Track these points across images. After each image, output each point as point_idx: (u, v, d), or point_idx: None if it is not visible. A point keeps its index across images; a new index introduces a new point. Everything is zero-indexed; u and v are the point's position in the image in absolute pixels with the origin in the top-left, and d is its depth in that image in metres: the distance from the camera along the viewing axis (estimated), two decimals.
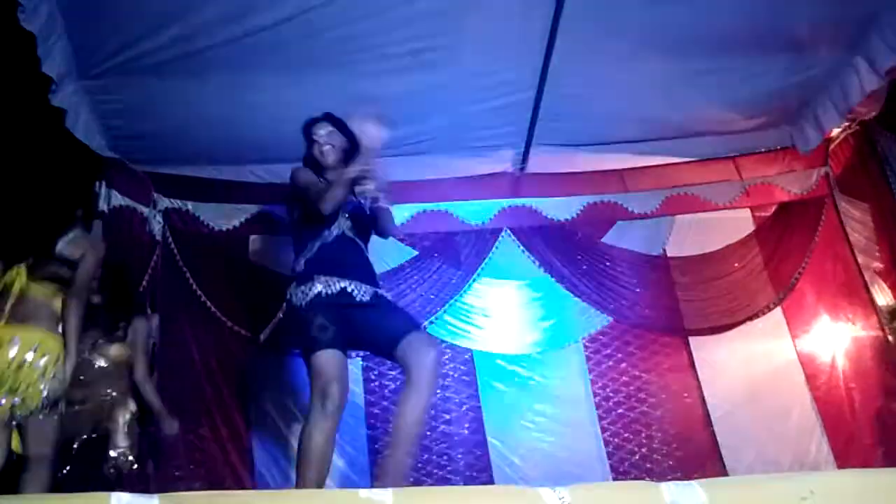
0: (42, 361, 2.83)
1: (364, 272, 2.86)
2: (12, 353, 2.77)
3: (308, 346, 2.64)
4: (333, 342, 2.60)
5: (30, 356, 2.80)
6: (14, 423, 2.84)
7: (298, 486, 2.53)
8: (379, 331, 2.72)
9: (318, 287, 2.70)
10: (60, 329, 2.97)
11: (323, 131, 3.04)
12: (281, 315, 2.91)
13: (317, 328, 2.61)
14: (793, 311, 4.74)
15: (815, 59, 4.25)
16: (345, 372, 2.62)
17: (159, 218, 4.60)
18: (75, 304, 2.97)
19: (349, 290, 2.72)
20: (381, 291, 2.85)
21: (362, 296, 2.74)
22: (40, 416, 2.81)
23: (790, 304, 4.75)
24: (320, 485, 2.54)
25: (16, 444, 3.01)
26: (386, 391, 4.52)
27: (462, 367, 4.59)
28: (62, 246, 3.16)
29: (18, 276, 2.98)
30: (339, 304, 2.69)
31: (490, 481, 4.27)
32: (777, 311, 4.75)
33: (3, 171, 4.29)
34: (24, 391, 2.76)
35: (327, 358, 2.58)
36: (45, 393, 2.81)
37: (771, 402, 4.50)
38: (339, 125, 3.06)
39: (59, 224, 3.27)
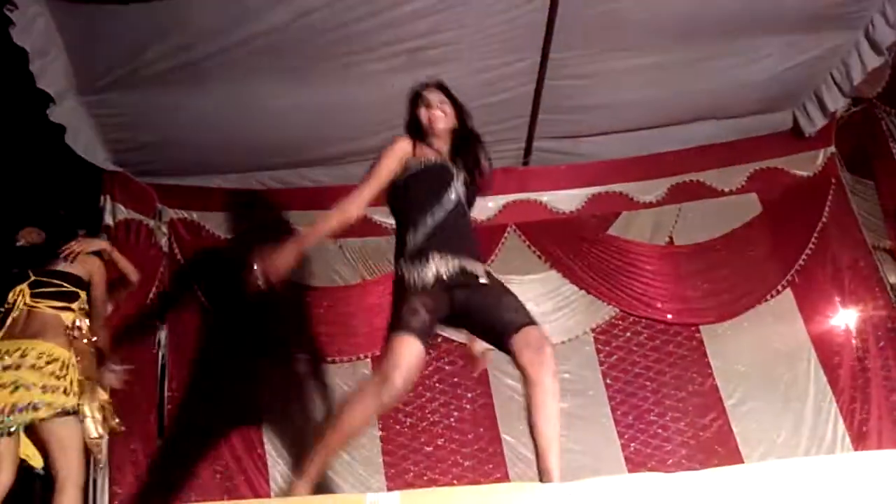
0: (51, 369, 2.83)
1: (475, 246, 2.65)
2: (22, 360, 2.79)
3: (393, 323, 2.42)
4: (419, 331, 2.38)
5: (41, 365, 2.81)
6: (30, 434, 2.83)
7: (317, 446, 2.39)
8: (491, 316, 2.51)
9: (434, 267, 2.46)
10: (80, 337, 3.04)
11: (435, 97, 2.78)
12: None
13: (410, 310, 2.40)
14: (804, 294, 4.70)
15: (815, 39, 4.23)
16: (416, 365, 2.38)
17: (165, 229, 4.62)
18: (100, 326, 3.14)
19: (468, 269, 2.51)
20: (489, 270, 2.65)
21: (479, 275, 2.54)
22: (58, 424, 2.79)
23: (801, 287, 4.71)
24: (333, 453, 2.44)
25: (37, 460, 3.04)
26: None
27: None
28: (63, 265, 3.17)
29: (22, 295, 3.00)
30: (455, 285, 2.48)
31: (505, 478, 4.26)
32: (788, 295, 4.71)
33: (5, 189, 4.32)
34: (38, 398, 2.76)
35: (406, 344, 2.35)
36: (59, 400, 2.81)
37: (785, 387, 4.47)
38: (451, 96, 2.82)
39: (62, 242, 3.27)
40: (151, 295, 4.36)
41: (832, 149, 4.95)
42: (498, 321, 2.48)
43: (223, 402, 4.32)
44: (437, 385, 4.54)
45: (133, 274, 3.51)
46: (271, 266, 2.46)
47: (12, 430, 2.76)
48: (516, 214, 4.88)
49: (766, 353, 4.55)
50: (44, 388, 2.77)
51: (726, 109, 4.74)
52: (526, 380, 2.41)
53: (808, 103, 4.80)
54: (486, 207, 4.85)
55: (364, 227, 4.79)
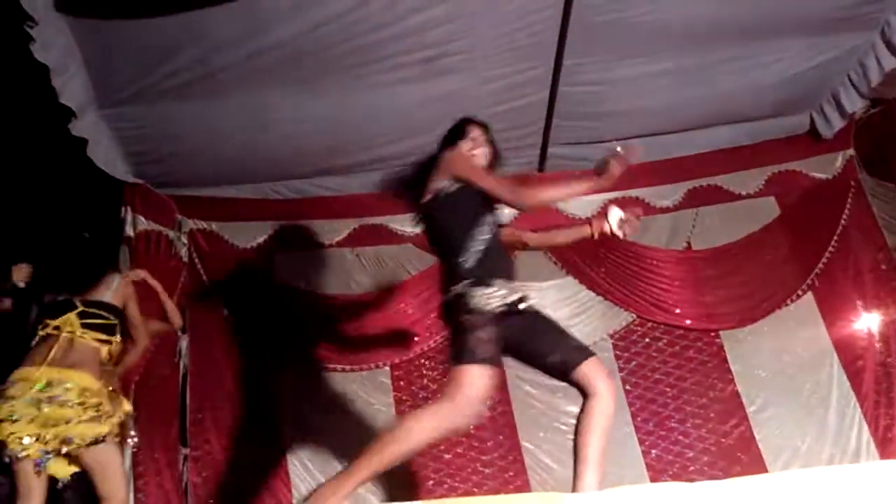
0: (93, 402, 2.90)
1: (514, 271, 2.62)
2: (66, 394, 2.84)
3: (466, 351, 2.36)
4: (493, 362, 2.37)
5: (83, 401, 2.87)
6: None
7: (361, 462, 2.29)
8: (550, 347, 2.50)
9: (501, 292, 2.42)
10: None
11: (481, 135, 2.87)
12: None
13: (482, 340, 2.36)
14: (825, 298, 4.65)
15: (832, 41, 4.20)
16: (488, 397, 2.41)
17: (184, 240, 4.67)
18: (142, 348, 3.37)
19: (523, 297, 2.49)
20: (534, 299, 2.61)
21: (529, 304, 2.51)
22: (96, 450, 2.86)
23: (822, 290, 4.66)
24: (380, 471, 2.32)
25: (64, 471, 3.09)
26: (417, 399, 4.53)
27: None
28: (109, 297, 3.25)
29: (69, 324, 3.05)
30: (514, 312, 2.45)
31: (525, 486, 4.25)
32: (809, 299, 4.67)
33: (30, 206, 4.39)
34: (75, 431, 2.82)
35: (484, 376, 2.33)
36: (95, 430, 2.87)
37: (807, 392, 4.42)
38: (492, 137, 2.91)
39: (97, 265, 3.40)
40: None
41: (851, 151, 4.92)
42: (558, 355, 2.48)
43: (244, 411, 4.35)
44: None
45: (177, 320, 3.66)
46: None
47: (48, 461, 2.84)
48: (532, 220, 4.86)
49: (787, 358, 4.51)
50: (80, 422, 2.83)
51: (743, 113, 4.71)
52: (590, 399, 2.42)
53: (826, 105, 4.76)
54: (501, 214, 4.84)
55: (380, 235, 4.83)
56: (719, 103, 4.54)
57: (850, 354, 4.49)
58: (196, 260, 4.68)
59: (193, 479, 4.18)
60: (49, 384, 2.84)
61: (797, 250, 4.75)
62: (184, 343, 4.41)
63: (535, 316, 2.55)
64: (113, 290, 3.28)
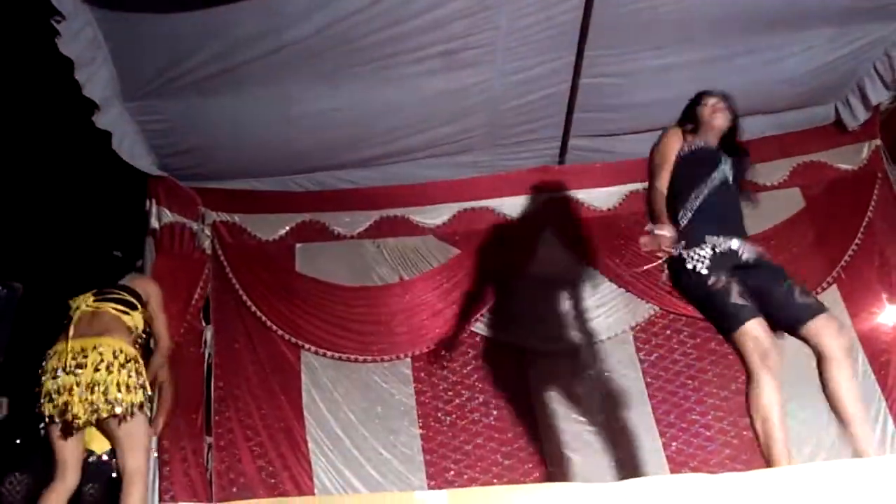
0: (127, 365, 2.95)
1: (743, 227, 2.76)
2: (98, 358, 2.89)
3: (726, 321, 2.58)
4: (754, 311, 2.53)
5: (114, 361, 2.92)
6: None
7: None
8: (778, 302, 2.61)
9: (709, 249, 2.60)
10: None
11: (719, 102, 3.00)
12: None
13: (733, 304, 2.53)
14: (850, 291, 4.59)
15: (857, 31, 4.14)
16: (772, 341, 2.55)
17: (208, 232, 4.72)
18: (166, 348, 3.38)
19: (736, 249, 2.62)
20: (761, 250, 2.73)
21: (748, 256, 2.64)
22: (129, 419, 2.89)
23: (847, 282, 4.60)
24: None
25: (98, 445, 3.16)
26: (437, 390, 4.55)
27: (511, 364, 4.58)
28: (126, 280, 3.34)
29: (84, 300, 3.14)
30: (729, 265, 2.58)
31: (545, 477, 4.26)
32: (834, 291, 4.61)
33: (57, 199, 4.47)
34: (114, 394, 2.86)
35: (756, 327, 2.52)
36: (132, 395, 2.92)
37: None
38: (732, 104, 3.03)
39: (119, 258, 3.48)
40: (196, 296, 4.46)
41: (877, 141, 4.84)
42: (786, 309, 2.59)
43: (267, 401, 4.40)
44: (476, 384, 4.56)
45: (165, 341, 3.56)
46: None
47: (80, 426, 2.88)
48: (554, 213, 4.86)
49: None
50: (118, 386, 2.88)
51: (767, 104, 4.65)
52: (823, 358, 2.54)
53: (851, 96, 4.70)
54: (522, 206, 4.85)
55: (401, 226, 4.85)
56: (743, 94, 4.40)
57: (875, 347, 4.43)
58: (219, 252, 4.72)
59: (217, 467, 4.23)
60: (83, 350, 2.90)
61: (822, 242, 4.69)
62: (208, 333, 4.48)
63: (760, 268, 2.64)
64: (130, 279, 3.36)
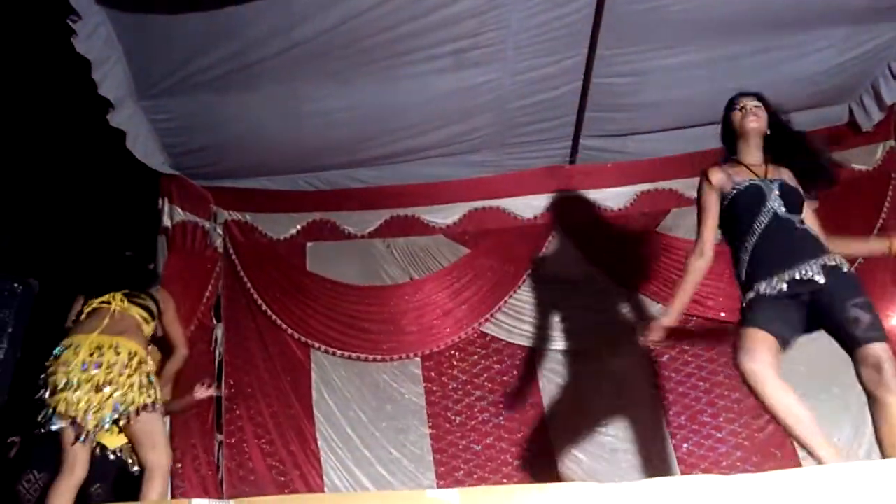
0: (140, 367, 3.00)
1: (807, 249, 2.65)
2: (116, 357, 2.93)
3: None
4: (769, 326, 2.53)
5: (129, 362, 2.96)
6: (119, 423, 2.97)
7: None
8: (836, 325, 2.54)
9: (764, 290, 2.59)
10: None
11: (751, 101, 2.92)
12: None
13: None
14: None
15: (872, 30, 4.10)
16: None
17: (219, 230, 4.75)
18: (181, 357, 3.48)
19: (800, 278, 2.55)
20: (834, 262, 2.62)
21: (814, 279, 2.54)
22: (144, 419, 2.92)
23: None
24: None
25: (113, 441, 3.24)
26: (447, 389, 4.55)
27: (521, 365, 4.58)
28: (152, 290, 3.43)
29: (115, 299, 3.19)
30: (795, 295, 2.55)
31: (555, 478, 4.25)
32: None
33: (72, 197, 4.50)
34: (127, 392, 2.91)
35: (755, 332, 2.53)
36: (146, 392, 2.96)
37: (844, 387, 4.32)
38: (767, 103, 2.95)
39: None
40: (207, 294, 4.49)
41: (891, 142, 4.80)
42: (843, 332, 2.51)
43: (277, 399, 4.42)
44: (486, 384, 4.55)
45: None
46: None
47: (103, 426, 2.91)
48: (564, 213, 4.85)
49: (824, 352, 4.38)
50: (131, 387, 2.92)
51: (780, 104, 4.59)
52: (869, 398, 2.43)
53: (865, 96, 4.66)
54: (533, 206, 4.85)
55: (411, 226, 4.86)
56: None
57: (889, 349, 4.39)
58: (231, 250, 4.75)
59: (228, 464, 4.26)
60: (99, 348, 2.93)
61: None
62: (219, 331, 4.50)
63: (825, 293, 2.55)
64: (154, 290, 3.45)
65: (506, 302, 4.66)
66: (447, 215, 4.87)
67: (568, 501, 1.96)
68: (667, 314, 2.81)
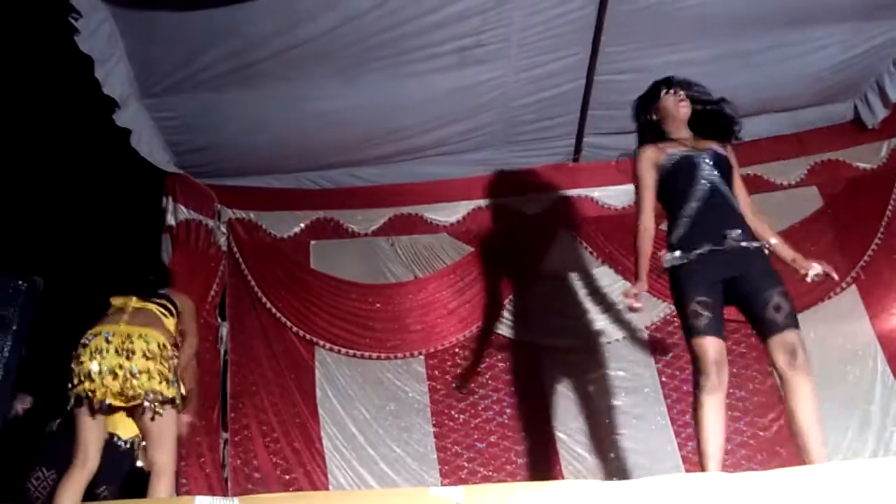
0: (169, 361, 3.00)
1: (736, 223, 2.73)
2: (145, 346, 2.94)
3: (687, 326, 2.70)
4: (711, 331, 2.61)
5: (158, 352, 2.97)
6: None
7: None
8: (753, 308, 2.64)
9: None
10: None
11: (680, 89, 2.98)
12: None
13: (693, 313, 2.64)
14: (869, 290, 4.54)
15: (877, 27, 4.09)
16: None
17: (223, 228, 4.76)
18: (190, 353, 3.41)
19: (727, 249, 2.65)
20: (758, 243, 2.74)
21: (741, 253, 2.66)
22: (163, 414, 2.91)
23: (866, 282, 4.55)
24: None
25: (128, 432, 3.24)
26: (450, 387, 4.55)
27: (525, 362, 4.57)
28: (164, 291, 3.42)
29: (130, 299, 3.20)
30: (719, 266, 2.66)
31: (558, 475, 4.25)
32: (853, 291, 4.55)
33: (77, 195, 4.51)
34: (156, 384, 2.90)
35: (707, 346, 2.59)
36: (171, 389, 2.96)
37: (850, 386, 4.33)
38: (689, 86, 3.00)
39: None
40: (212, 293, 4.50)
41: None
42: (759, 317, 2.61)
43: (281, 397, 4.43)
44: (489, 382, 4.55)
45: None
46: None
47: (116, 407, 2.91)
48: (567, 211, 4.84)
49: (829, 351, 4.41)
50: (161, 375, 2.92)
51: (784, 102, 4.61)
52: (781, 380, 2.59)
53: (870, 93, 4.65)
54: (536, 204, 4.84)
55: (415, 224, 4.86)
56: (761, 92, 4.45)
57: (894, 348, 4.38)
58: (235, 249, 4.75)
59: (233, 462, 4.26)
60: (129, 337, 2.94)
61: (841, 241, 4.63)
62: (224, 329, 4.51)
63: (748, 275, 2.64)
64: (167, 291, 3.43)
65: (509, 300, 4.65)
66: (451, 213, 4.87)
67: (571, 499, 1.95)
68: (638, 282, 2.93)
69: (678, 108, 2.93)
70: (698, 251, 2.67)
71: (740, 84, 4.30)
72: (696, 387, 2.60)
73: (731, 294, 2.68)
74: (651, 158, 2.92)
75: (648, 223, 2.92)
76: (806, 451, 2.43)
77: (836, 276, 2.96)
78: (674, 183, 2.84)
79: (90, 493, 2.98)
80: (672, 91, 2.95)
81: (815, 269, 2.83)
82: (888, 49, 4.27)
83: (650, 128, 3.02)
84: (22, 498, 3.35)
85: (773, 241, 2.87)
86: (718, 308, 2.65)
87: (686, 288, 2.69)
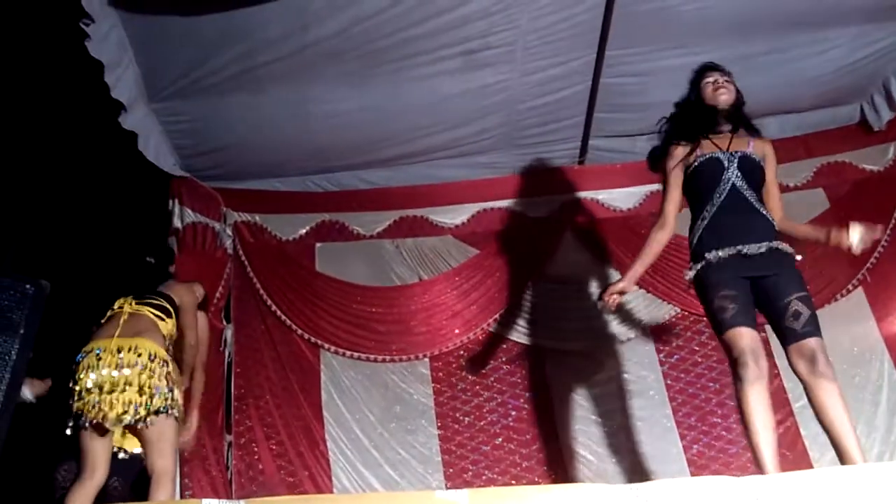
0: (161, 369, 2.99)
1: (760, 227, 2.70)
2: (135, 358, 2.94)
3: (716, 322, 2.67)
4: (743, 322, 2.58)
5: (148, 362, 2.96)
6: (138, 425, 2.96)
7: None
8: (775, 314, 2.62)
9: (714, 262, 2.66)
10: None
11: (721, 75, 2.96)
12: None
13: (720, 308, 2.60)
14: (876, 293, 4.52)
15: (883, 30, 4.08)
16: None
17: (229, 231, 4.77)
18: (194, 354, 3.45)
19: (747, 253, 2.62)
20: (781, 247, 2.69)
21: (762, 257, 2.63)
22: (159, 421, 2.92)
23: (872, 285, 4.53)
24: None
25: (130, 443, 3.26)
26: (456, 390, 4.55)
27: (530, 365, 4.57)
28: (164, 287, 3.43)
29: (126, 302, 3.22)
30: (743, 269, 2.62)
31: (563, 479, 4.24)
32: (859, 294, 4.54)
33: (84, 199, 4.52)
34: (146, 397, 2.90)
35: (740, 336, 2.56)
36: (165, 395, 2.95)
37: (856, 389, 4.31)
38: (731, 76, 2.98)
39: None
40: (217, 295, 4.50)
41: None
42: (778, 325, 2.61)
43: (287, 400, 4.43)
44: (494, 384, 4.55)
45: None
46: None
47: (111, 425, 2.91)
48: (573, 213, 4.85)
49: (835, 353, 4.33)
50: (151, 389, 2.91)
51: (790, 104, 4.61)
52: (805, 388, 2.57)
53: (877, 96, 4.64)
54: (541, 207, 4.84)
55: (420, 226, 4.87)
56: (767, 94, 4.42)
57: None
58: (240, 251, 4.77)
59: (237, 465, 4.27)
60: (119, 350, 2.94)
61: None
62: (228, 332, 4.52)
63: (771, 278, 2.62)
64: (167, 286, 3.44)
65: (515, 302, 4.65)
66: (456, 216, 4.88)
67: (576, 503, 1.95)
68: (624, 279, 2.89)
69: (716, 95, 2.87)
70: (718, 254, 2.63)
71: (746, 86, 4.24)
72: (738, 380, 2.52)
73: (755, 295, 2.65)
74: (678, 157, 2.88)
75: (665, 228, 2.87)
76: (845, 454, 2.40)
77: (878, 233, 2.92)
78: (698, 184, 2.81)
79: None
80: (708, 80, 2.91)
81: (854, 237, 2.77)
82: (894, 52, 4.26)
83: (688, 123, 2.96)
84: (49, 487, 3.37)
85: (803, 230, 2.89)
86: (747, 301, 2.61)
87: (709, 288, 2.65)
